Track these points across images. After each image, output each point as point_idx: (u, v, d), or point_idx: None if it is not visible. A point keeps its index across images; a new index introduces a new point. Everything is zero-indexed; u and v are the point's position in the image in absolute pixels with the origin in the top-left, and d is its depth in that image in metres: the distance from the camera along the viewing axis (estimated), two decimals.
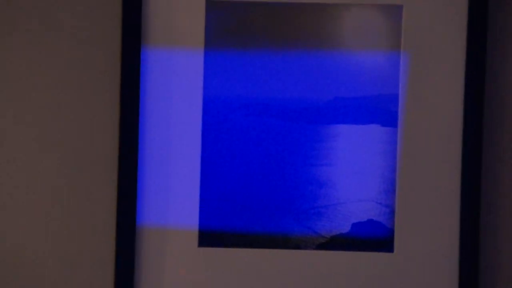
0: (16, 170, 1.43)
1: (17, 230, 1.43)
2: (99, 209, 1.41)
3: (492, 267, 1.42)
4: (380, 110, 1.39)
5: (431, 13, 1.38)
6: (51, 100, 1.43)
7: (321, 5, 1.37)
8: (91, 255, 1.41)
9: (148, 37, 1.38)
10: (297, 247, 1.38)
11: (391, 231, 1.39)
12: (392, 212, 1.39)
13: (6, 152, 1.42)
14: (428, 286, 1.40)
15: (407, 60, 1.36)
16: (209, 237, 1.38)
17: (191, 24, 1.39)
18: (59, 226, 1.43)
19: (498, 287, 1.43)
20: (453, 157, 1.38)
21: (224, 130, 1.39)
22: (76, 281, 1.41)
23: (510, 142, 1.41)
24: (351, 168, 1.40)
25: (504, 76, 1.38)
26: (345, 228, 1.40)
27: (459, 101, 1.37)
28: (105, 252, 1.41)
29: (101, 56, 1.42)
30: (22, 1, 1.41)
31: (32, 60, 1.42)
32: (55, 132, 1.43)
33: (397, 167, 1.39)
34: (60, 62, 1.41)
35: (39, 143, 1.42)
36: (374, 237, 1.39)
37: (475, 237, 1.37)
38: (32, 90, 1.42)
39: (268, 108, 1.40)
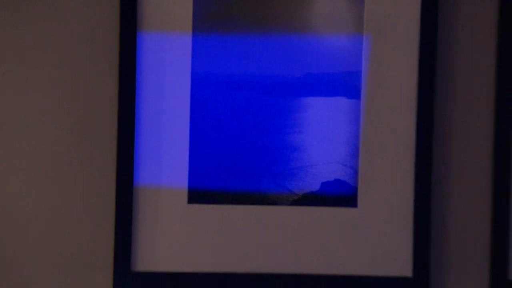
0: (17, 135, 1.53)
1: (19, 193, 1.53)
2: (100, 172, 1.52)
3: (442, 219, 1.54)
4: (346, 85, 1.50)
5: (389, 1, 1.49)
6: (56, 73, 1.53)
7: None
8: (93, 213, 1.52)
9: (143, 23, 1.49)
10: (274, 203, 1.49)
11: (355, 189, 1.50)
12: (355, 173, 1.50)
13: (8, 117, 1.52)
14: (385, 235, 1.51)
15: (368, 41, 1.48)
16: (197, 195, 1.49)
17: (180, 11, 1.50)
18: (63, 187, 1.53)
19: (448, 239, 1.54)
20: (408, 124, 1.49)
21: (210, 103, 1.50)
22: (80, 236, 1.52)
23: (458, 107, 1.54)
24: (320, 135, 1.50)
25: (453, 53, 1.51)
26: (315, 186, 1.51)
27: (413, 76, 1.49)
28: (106, 210, 1.51)
29: (102, 40, 1.53)
30: None
31: (37, 41, 1.52)
32: (60, 104, 1.53)
33: (360, 134, 1.50)
34: (65, 44, 1.51)
35: (43, 112, 1.53)
36: (340, 194, 1.51)
37: (427, 193, 1.50)
38: (37, 66, 1.52)
39: (249, 84, 1.51)
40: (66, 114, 1.54)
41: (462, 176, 1.57)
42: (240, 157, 1.53)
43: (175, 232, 1.51)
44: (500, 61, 1.45)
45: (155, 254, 1.51)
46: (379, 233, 1.53)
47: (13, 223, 1.55)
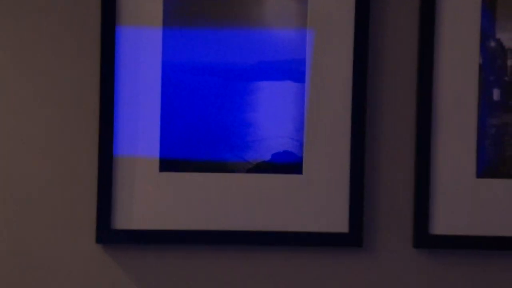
0: (10, 113, 1.68)
1: (13, 163, 1.68)
2: (85, 144, 1.69)
3: (373, 183, 1.72)
4: (292, 71, 1.67)
5: (328, 0, 1.67)
6: (44, 57, 1.68)
7: None
8: (79, 179, 1.69)
9: (121, 18, 1.65)
10: (232, 171, 1.66)
11: (301, 159, 1.67)
12: (301, 145, 1.67)
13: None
14: (326, 197, 1.68)
15: (311, 34, 1.66)
16: (167, 164, 1.66)
17: (152, 8, 1.66)
18: (54, 157, 1.68)
19: (378, 200, 1.72)
20: (345, 104, 1.65)
21: (178, 86, 1.67)
22: (67, 199, 1.69)
23: (386, 89, 1.71)
24: (271, 113, 1.68)
25: (382, 44, 1.70)
26: (267, 156, 1.68)
27: (349, 63, 1.66)
28: (90, 177, 1.68)
29: (85, 32, 1.69)
30: None
31: (26, 32, 1.67)
32: (49, 86, 1.69)
33: (304, 112, 1.67)
34: (52, 36, 1.67)
35: (35, 94, 1.68)
36: (288, 163, 1.68)
37: (360, 161, 1.66)
38: (26, 53, 1.67)
39: (211, 70, 1.67)
40: (56, 95, 1.69)
41: (390, 146, 1.72)
42: (204, 132, 1.68)
43: (149, 196, 1.67)
44: (421, 49, 1.65)
45: (131, 214, 1.66)
46: (321, 196, 1.68)
47: (5, 186, 1.70)
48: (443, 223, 1.69)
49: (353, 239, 1.68)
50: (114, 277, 1.72)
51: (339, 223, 1.69)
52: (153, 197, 1.69)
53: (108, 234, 1.67)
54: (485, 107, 1.67)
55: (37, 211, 1.71)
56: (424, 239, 1.68)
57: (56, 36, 1.70)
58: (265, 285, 1.75)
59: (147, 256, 1.72)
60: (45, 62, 1.71)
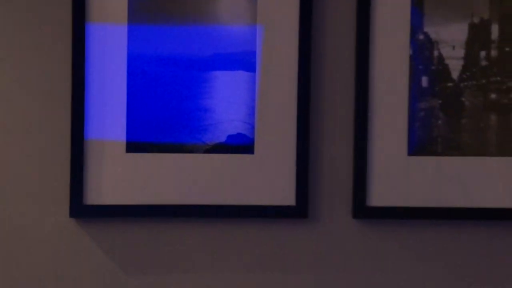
0: None
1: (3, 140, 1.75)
2: (59, 129, 1.78)
3: (317, 162, 1.82)
4: (244, 61, 1.77)
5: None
6: (22, 51, 1.76)
7: None
8: (54, 160, 1.78)
9: (90, 15, 1.75)
10: (191, 151, 1.76)
11: (252, 140, 1.77)
12: (252, 128, 1.77)
13: None
14: (275, 174, 1.78)
15: (261, 28, 1.77)
16: (133, 146, 1.76)
17: (118, 6, 1.75)
18: (30, 141, 1.77)
19: (321, 176, 1.82)
20: (291, 90, 1.75)
21: (143, 75, 1.77)
22: (43, 177, 1.78)
23: (327, 75, 1.80)
24: (226, 100, 1.78)
25: (323, 36, 1.80)
26: (222, 138, 1.78)
27: (294, 54, 1.75)
28: (64, 158, 1.77)
29: (57, 29, 1.78)
30: None
31: (4, 26, 1.75)
32: (26, 76, 1.77)
33: (255, 98, 1.78)
34: (28, 32, 1.77)
35: (15, 83, 1.76)
36: (241, 144, 1.78)
37: (305, 142, 1.76)
38: (7, 46, 1.76)
39: (172, 61, 1.77)
40: (32, 85, 1.79)
41: (331, 128, 1.82)
42: (166, 117, 1.78)
43: (116, 174, 1.77)
44: (358, 42, 1.76)
45: (101, 191, 1.76)
46: (270, 173, 1.78)
47: None
48: (378, 196, 1.79)
49: (299, 211, 1.78)
50: (85, 247, 1.81)
51: (287, 197, 1.78)
52: (120, 176, 1.78)
53: (80, 209, 1.75)
54: (415, 93, 1.78)
55: (16, 188, 1.79)
56: (362, 210, 1.79)
57: (32, 32, 1.79)
58: (221, 253, 1.84)
59: (115, 228, 1.81)
60: (22, 55, 1.79)
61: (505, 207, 1.80)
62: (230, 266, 1.85)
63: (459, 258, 1.88)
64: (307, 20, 1.77)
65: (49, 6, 1.80)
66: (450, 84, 1.79)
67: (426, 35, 1.79)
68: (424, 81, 1.80)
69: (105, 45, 1.77)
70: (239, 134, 1.80)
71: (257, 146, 1.80)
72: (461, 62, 1.78)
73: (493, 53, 1.78)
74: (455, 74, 1.78)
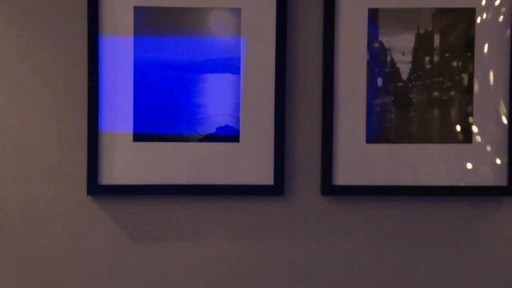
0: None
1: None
2: (78, 123, 1.95)
3: (292, 147, 1.97)
4: (231, 66, 1.93)
5: (256, 12, 1.92)
6: (46, 60, 1.94)
7: (199, 8, 1.91)
8: (74, 149, 1.95)
9: (102, 29, 1.91)
10: (187, 140, 1.92)
11: (238, 131, 1.93)
12: (238, 121, 1.93)
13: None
14: (256, 159, 1.94)
15: (244, 39, 1.93)
16: (138, 136, 1.92)
17: (125, 22, 1.91)
18: (55, 133, 1.94)
19: (295, 160, 1.97)
20: (269, 89, 1.91)
21: (147, 78, 1.92)
22: (65, 162, 1.95)
23: (299, 76, 1.95)
24: (215, 98, 1.93)
25: (297, 44, 1.96)
26: (213, 130, 1.94)
27: (272, 60, 1.91)
28: (81, 148, 1.95)
29: (76, 41, 1.95)
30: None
31: (35, 40, 1.94)
32: (49, 82, 1.95)
33: (240, 96, 1.93)
34: (53, 43, 1.94)
35: (42, 90, 1.94)
36: (228, 134, 1.94)
37: (281, 132, 1.92)
38: (33, 53, 1.94)
39: (172, 66, 1.91)
40: (56, 87, 1.95)
41: (303, 120, 1.98)
42: (166, 112, 1.93)
43: (125, 160, 1.93)
44: (325, 49, 1.94)
45: (112, 173, 1.93)
46: (253, 158, 1.94)
47: (19, 152, 1.95)
48: (342, 176, 1.97)
49: (276, 189, 1.95)
50: (100, 220, 1.98)
51: (267, 178, 1.95)
52: (128, 161, 1.94)
53: (95, 188, 1.93)
54: (372, 91, 1.96)
55: (42, 172, 1.97)
56: (329, 188, 1.96)
57: (55, 42, 1.96)
58: (212, 224, 2.00)
59: (125, 204, 1.98)
60: (47, 62, 1.96)
61: (445, 185, 1.99)
62: (220, 234, 2.01)
63: (408, 226, 2.04)
64: (282, 32, 1.94)
65: (69, 21, 1.96)
66: (400, 84, 1.98)
67: (380, 43, 1.97)
68: (379, 81, 1.98)
69: (115, 54, 1.92)
70: (226, 126, 1.96)
71: (241, 136, 1.95)
72: (409, 66, 1.97)
73: (435, 58, 1.98)
74: (404, 76, 1.97)
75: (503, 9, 1.97)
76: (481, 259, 2.05)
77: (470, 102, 1.98)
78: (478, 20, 1.96)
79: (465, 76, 1.97)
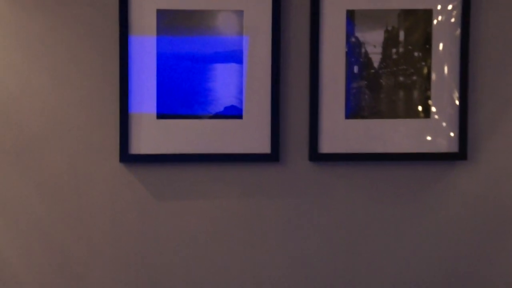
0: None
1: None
2: (111, 106, 2.23)
3: (285, 122, 2.23)
4: (236, 57, 2.18)
5: (256, 14, 2.18)
6: (87, 55, 2.22)
7: (209, 11, 2.17)
8: (109, 126, 2.22)
9: (131, 30, 2.19)
10: (200, 118, 2.18)
11: (241, 110, 2.19)
12: (242, 102, 2.19)
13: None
14: (256, 131, 2.18)
15: (246, 36, 2.19)
16: (161, 115, 2.19)
17: (148, 23, 2.18)
18: (95, 114, 2.23)
19: (288, 132, 2.23)
20: (266, 75, 2.17)
21: (167, 67, 2.18)
22: (100, 136, 2.23)
23: (292, 66, 2.22)
24: (223, 83, 2.18)
25: (290, 40, 2.23)
26: (221, 109, 2.20)
27: (269, 53, 2.16)
28: (115, 126, 2.22)
29: (109, 40, 2.23)
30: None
31: (76, 39, 2.23)
32: (90, 73, 2.23)
33: (243, 81, 2.18)
34: (91, 41, 2.23)
35: (78, 81, 2.23)
36: (234, 113, 2.20)
37: (276, 108, 2.17)
38: (73, 50, 2.23)
39: (187, 57, 2.18)
40: (95, 77, 2.24)
41: (294, 100, 2.24)
42: (183, 95, 2.19)
43: (150, 134, 2.20)
44: (312, 44, 2.21)
45: (140, 145, 2.20)
46: (254, 131, 2.19)
47: (60, 129, 2.22)
48: (326, 146, 2.25)
49: (273, 157, 2.21)
50: (130, 182, 2.26)
51: (265, 148, 2.21)
52: (153, 135, 2.21)
53: (126, 157, 2.21)
54: (350, 77, 2.26)
55: (84, 145, 2.25)
56: (316, 155, 2.24)
57: (94, 41, 2.24)
58: (221, 185, 2.27)
59: (150, 169, 2.25)
60: (88, 57, 2.24)
61: (409, 152, 2.29)
62: (227, 194, 2.28)
63: (379, 185, 2.33)
64: (276, 30, 2.23)
65: (104, 23, 2.24)
66: (372, 71, 2.26)
67: (356, 38, 2.25)
68: (355, 69, 2.25)
69: (141, 49, 2.20)
70: (232, 106, 2.22)
71: (244, 114, 2.22)
72: (379, 56, 2.27)
73: (401, 50, 2.27)
74: (375, 64, 2.26)
75: (455, 12, 2.30)
76: (438, 210, 2.36)
77: (429, 87, 2.30)
78: (435, 21, 2.28)
79: (424, 65, 2.29)
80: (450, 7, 2.29)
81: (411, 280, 2.39)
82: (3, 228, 2.26)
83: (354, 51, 2.28)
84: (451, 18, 2.30)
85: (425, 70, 2.29)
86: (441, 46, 2.30)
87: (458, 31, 2.31)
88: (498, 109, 2.37)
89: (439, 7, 2.28)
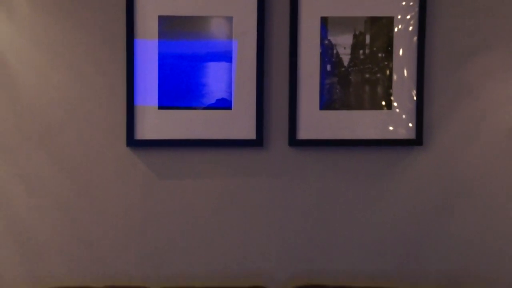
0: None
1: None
2: (119, 99, 2.50)
3: (269, 110, 2.50)
4: (226, 57, 2.45)
5: (244, 20, 2.44)
6: (98, 56, 2.49)
7: (203, 17, 2.43)
8: (116, 116, 2.50)
9: (136, 34, 2.46)
10: (195, 109, 2.46)
11: (231, 102, 2.46)
12: (231, 95, 2.45)
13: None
14: (243, 119, 2.42)
15: (236, 39, 2.46)
16: (162, 107, 2.48)
17: (151, 28, 2.46)
18: (104, 107, 2.51)
19: (270, 119, 2.49)
20: (252, 73, 2.44)
21: (167, 65, 2.45)
22: (111, 125, 2.51)
23: (276, 66, 2.50)
24: (215, 79, 2.44)
25: (271, 44, 2.50)
26: (213, 101, 2.47)
27: (254, 53, 2.43)
28: (122, 116, 2.50)
29: (116, 43, 2.49)
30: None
31: (88, 41, 2.51)
32: (100, 70, 2.50)
33: (232, 77, 2.45)
34: (101, 43, 2.51)
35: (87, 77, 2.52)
36: (224, 105, 2.47)
37: (261, 99, 2.43)
38: (83, 51, 2.51)
39: (184, 57, 2.45)
40: (105, 74, 2.51)
41: (275, 94, 2.49)
42: (180, 90, 2.46)
43: (152, 122, 2.48)
44: (291, 47, 2.50)
45: (144, 131, 2.47)
46: (241, 121, 2.45)
47: (74, 116, 2.49)
48: (303, 133, 2.51)
49: (257, 142, 2.48)
50: (136, 164, 2.54)
51: (250, 134, 2.49)
52: (155, 123, 2.50)
53: (132, 142, 2.49)
54: (323, 74, 2.52)
55: (94, 132, 2.52)
56: (294, 141, 2.50)
57: (104, 43, 2.52)
58: (213, 166, 2.53)
59: (153, 152, 2.53)
60: (99, 57, 2.52)
61: (374, 138, 2.56)
62: (218, 174, 2.55)
63: (348, 167, 2.59)
64: (261, 34, 2.51)
65: (112, 27, 2.52)
66: (343, 69, 2.53)
67: (329, 41, 2.52)
68: (328, 67, 2.51)
69: (145, 50, 2.48)
70: (223, 99, 2.50)
71: (233, 105, 2.50)
72: (348, 57, 2.53)
73: (367, 51, 2.54)
74: (345, 63, 2.52)
75: (412, 22, 2.59)
76: (398, 187, 2.62)
77: (391, 86, 2.59)
78: (396, 29, 2.56)
79: (387, 64, 2.56)
80: (408, 16, 2.57)
81: (375, 244, 2.65)
82: (27, 199, 2.56)
83: (327, 52, 2.53)
84: (409, 26, 2.56)
85: (388, 71, 2.56)
86: (401, 51, 2.57)
87: (415, 38, 2.57)
88: (448, 104, 2.64)
89: (399, 16, 2.56)
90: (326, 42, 2.54)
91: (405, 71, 2.58)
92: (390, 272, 2.67)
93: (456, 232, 2.68)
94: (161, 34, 2.49)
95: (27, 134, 2.54)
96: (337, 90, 2.54)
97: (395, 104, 2.59)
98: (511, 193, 2.69)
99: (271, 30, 2.55)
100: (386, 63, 2.58)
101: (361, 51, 2.55)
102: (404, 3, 2.58)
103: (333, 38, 2.55)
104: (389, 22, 2.57)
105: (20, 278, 2.57)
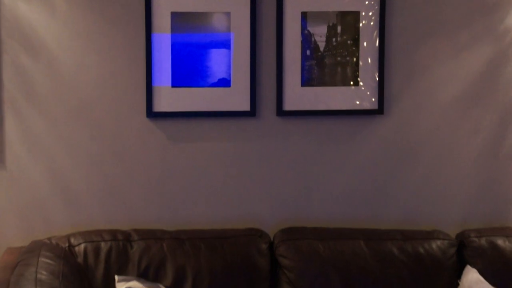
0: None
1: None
2: (139, 81, 2.93)
3: (260, 90, 3.02)
4: (225, 44, 2.89)
5: (239, 14, 2.87)
6: (122, 46, 2.96)
7: (207, 12, 2.89)
8: (137, 96, 2.93)
9: (154, 28, 2.88)
10: (202, 87, 2.88)
11: (230, 81, 2.90)
12: (230, 75, 2.89)
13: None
14: (239, 95, 2.86)
15: (233, 32, 2.89)
16: (175, 86, 2.91)
17: (165, 24, 2.88)
18: (126, 89, 2.97)
19: (262, 95, 3.01)
20: (246, 56, 2.90)
21: (179, 52, 2.87)
22: (133, 103, 2.96)
23: (264, 53, 3.02)
24: (217, 63, 2.89)
25: (262, 36, 3.02)
26: (215, 80, 2.92)
27: (248, 42, 2.92)
28: (141, 95, 2.92)
29: (136, 36, 2.91)
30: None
31: (108, 34, 2.99)
32: (124, 59, 2.96)
33: (231, 61, 2.88)
34: (124, 36, 2.97)
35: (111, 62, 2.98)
36: (224, 83, 2.92)
37: (254, 78, 2.88)
38: (109, 41, 2.96)
39: (192, 45, 2.88)
40: (128, 60, 2.93)
41: (265, 74, 2.93)
42: (189, 72, 2.89)
43: (167, 98, 2.90)
44: (277, 37, 3.02)
45: (160, 104, 2.89)
46: (238, 96, 2.89)
47: (100, 94, 2.92)
48: (288, 105, 2.98)
49: (251, 113, 2.92)
50: (154, 132, 2.96)
51: (246, 106, 2.94)
52: (169, 98, 2.94)
53: (151, 113, 2.91)
54: (304, 58, 2.98)
55: (120, 106, 2.97)
56: (281, 112, 2.95)
57: (127, 36, 2.94)
58: (215, 133, 2.95)
59: (167, 122, 2.94)
60: (124, 48, 2.95)
61: (344, 109, 3.08)
62: (220, 139, 2.99)
63: (323, 133, 3.06)
64: (253, 25, 2.95)
65: (132, 23, 2.97)
66: (319, 54, 3.00)
67: (308, 31, 2.97)
68: (308, 52, 2.96)
69: (160, 40, 2.92)
70: (223, 78, 2.95)
71: (232, 83, 2.95)
72: (324, 43, 3.01)
73: (339, 39, 3.02)
74: (321, 49, 3.00)
75: (373, 17, 3.11)
76: (364, 148, 3.11)
77: (358, 68, 3.10)
78: (361, 24, 3.09)
79: (355, 49, 3.09)
80: (370, 13, 3.09)
81: (346, 193, 3.15)
82: (67, 159, 2.99)
83: (307, 40, 3.00)
84: (371, 21, 3.06)
85: (355, 57, 3.03)
86: (365, 43, 3.08)
87: (376, 33, 3.06)
88: (403, 80, 3.14)
89: (363, 13, 3.10)
90: (306, 32, 3.00)
91: (369, 60, 3.07)
92: (357, 215, 3.17)
93: (409, 182, 3.19)
94: (173, 27, 2.92)
95: (67, 107, 2.96)
96: (315, 71, 3.01)
97: (361, 83, 3.08)
98: (452, 152, 3.20)
99: (261, 23, 3.01)
100: (353, 48, 3.08)
101: (333, 39, 3.02)
102: (367, 2, 3.09)
103: (312, 29, 3.01)
104: (356, 16, 3.09)
105: (63, 222, 2.99)
